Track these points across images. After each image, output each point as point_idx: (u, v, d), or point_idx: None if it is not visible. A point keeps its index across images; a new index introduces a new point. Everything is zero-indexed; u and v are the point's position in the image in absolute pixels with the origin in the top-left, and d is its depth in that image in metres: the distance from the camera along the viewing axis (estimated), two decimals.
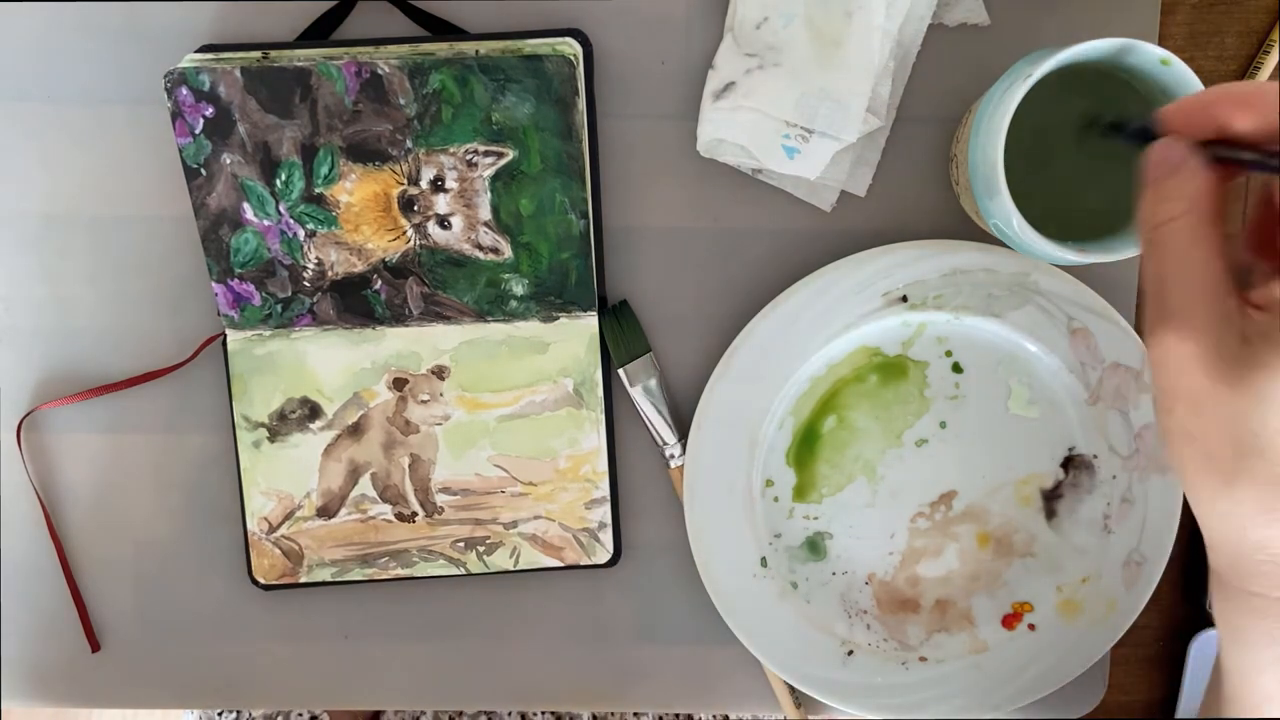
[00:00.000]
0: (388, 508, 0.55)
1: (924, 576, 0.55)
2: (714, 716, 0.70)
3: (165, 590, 0.57)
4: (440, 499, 0.55)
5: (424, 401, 0.54)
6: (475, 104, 0.50)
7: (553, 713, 0.76)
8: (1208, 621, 0.56)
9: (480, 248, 0.52)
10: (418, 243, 0.52)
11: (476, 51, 0.50)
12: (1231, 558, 0.35)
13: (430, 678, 0.57)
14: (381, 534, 0.55)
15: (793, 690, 0.56)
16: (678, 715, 0.72)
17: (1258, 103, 0.34)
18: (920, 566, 0.55)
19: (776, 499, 0.54)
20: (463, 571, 0.55)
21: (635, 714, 0.72)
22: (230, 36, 0.53)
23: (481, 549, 0.55)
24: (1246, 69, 0.53)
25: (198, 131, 0.50)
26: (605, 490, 0.55)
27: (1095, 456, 0.54)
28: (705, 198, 0.54)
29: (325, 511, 0.55)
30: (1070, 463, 0.54)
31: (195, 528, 0.56)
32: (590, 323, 0.54)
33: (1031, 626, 0.54)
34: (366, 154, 0.51)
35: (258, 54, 0.51)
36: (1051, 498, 0.54)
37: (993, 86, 0.47)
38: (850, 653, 0.54)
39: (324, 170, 0.51)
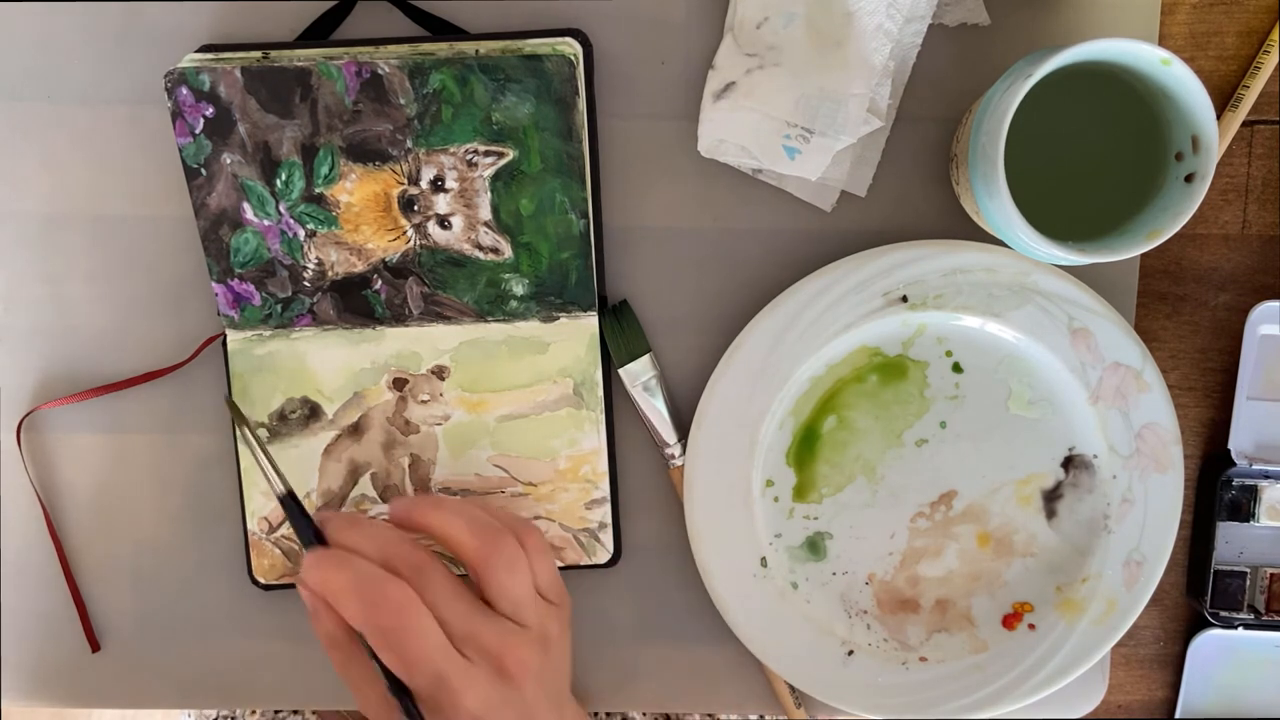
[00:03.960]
0: (388, 508, 0.55)
1: (924, 576, 0.55)
2: (699, 716, 0.70)
3: (165, 590, 0.57)
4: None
5: (424, 401, 0.54)
6: (475, 104, 0.50)
7: None
8: (1208, 621, 0.56)
9: (480, 248, 0.52)
10: (418, 243, 0.52)
11: (476, 51, 0.50)
12: None
13: None
14: None
15: (793, 690, 0.56)
16: (667, 716, 0.72)
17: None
18: (920, 566, 0.55)
19: (776, 499, 0.54)
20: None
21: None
22: (230, 36, 0.53)
23: None
24: (1246, 69, 0.53)
25: (198, 131, 0.50)
26: (605, 490, 0.55)
27: (1095, 456, 0.54)
28: (705, 198, 0.54)
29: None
30: (1070, 463, 0.54)
31: (195, 528, 0.56)
32: (590, 323, 0.54)
33: (1031, 626, 0.54)
34: (366, 154, 0.51)
35: (258, 54, 0.51)
36: (1051, 498, 0.54)
37: (993, 86, 0.47)
38: (850, 653, 0.55)
39: (324, 170, 0.51)
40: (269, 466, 0.47)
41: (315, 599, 0.44)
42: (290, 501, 0.46)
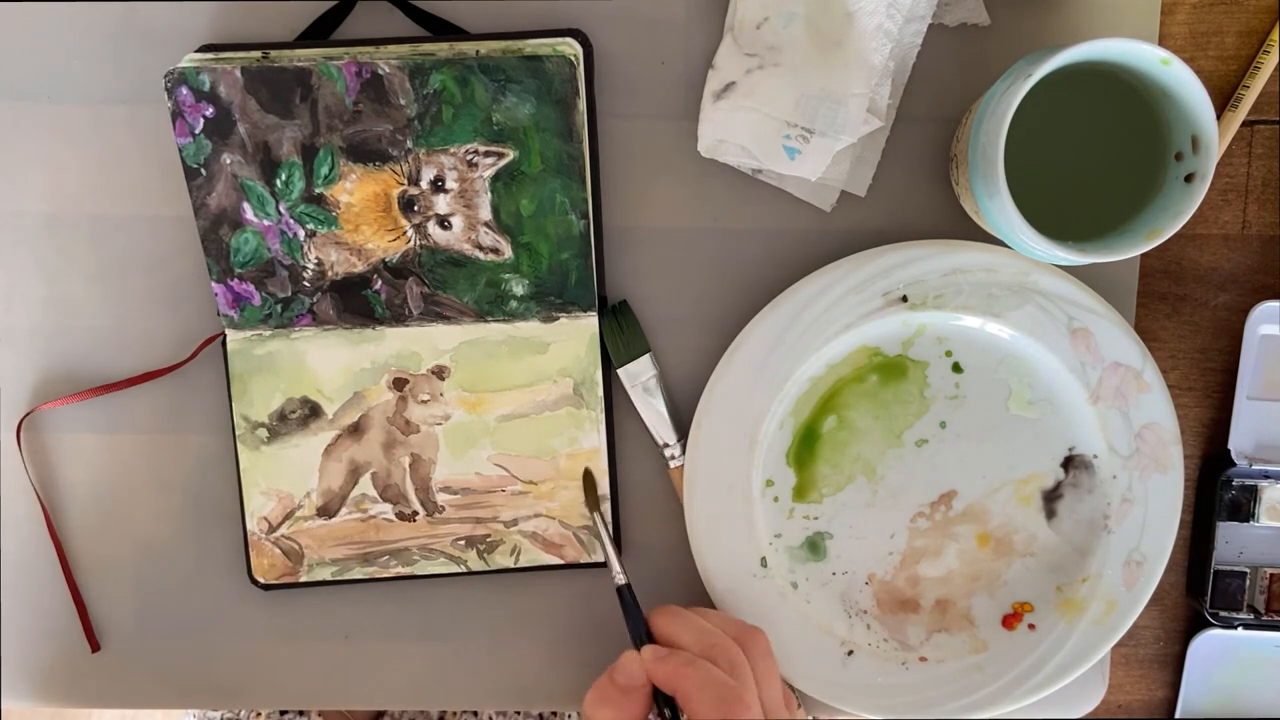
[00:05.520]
0: (388, 507, 0.55)
1: (924, 576, 0.55)
2: None
3: (165, 590, 0.57)
4: (441, 498, 0.55)
5: (424, 401, 0.54)
6: (475, 104, 0.50)
7: (539, 714, 0.76)
8: (1208, 621, 0.56)
9: (480, 248, 0.52)
10: (418, 243, 0.52)
11: (477, 52, 0.50)
12: None
13: (430, 678, 0.57)
14: (382, 533, 0.55)
15: (791, 690, 0.56)
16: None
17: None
18: (920, 566, 0.55)
19: (776, 499, 0.54)
20: (463, 569, 0.55)
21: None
22: (230, 36, 0.53)
23: (482, 547, 0.55)
24: (1246, 69, 0.53)
25: (198, 131, 0.50)
26: (605, 489, 0.55)
27: (1095, 456, 0.54)
28: (705, 198, 0.54)
29: (325, 511, 0.55)
30: (1070, 463, 0.54)
31: (195, 528, 0.56)
32: (590, 323, 0.54)
33: (1031, 626, 0.54)
34: (367, 154, 0.51)
35: (258, 54, 0.51)
36: (1051, 498, 0.54)
37: (993, 86, 0.47)
38: (850, 653, 0.55)
39: (324, 170, 0.51)
40: (612, 553, 0.52)
41: (617, 690, 0.47)
42: (628, 593, 0.51)
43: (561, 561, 0.55)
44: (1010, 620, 0.55)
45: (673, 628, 0.49)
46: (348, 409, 0.54)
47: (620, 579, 0.52)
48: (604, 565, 0.55)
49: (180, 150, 0.51)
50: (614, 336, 0.54)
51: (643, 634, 0.50)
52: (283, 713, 0.74)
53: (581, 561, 0.55)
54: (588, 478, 0.55)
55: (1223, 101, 0.53)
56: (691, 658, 0.47)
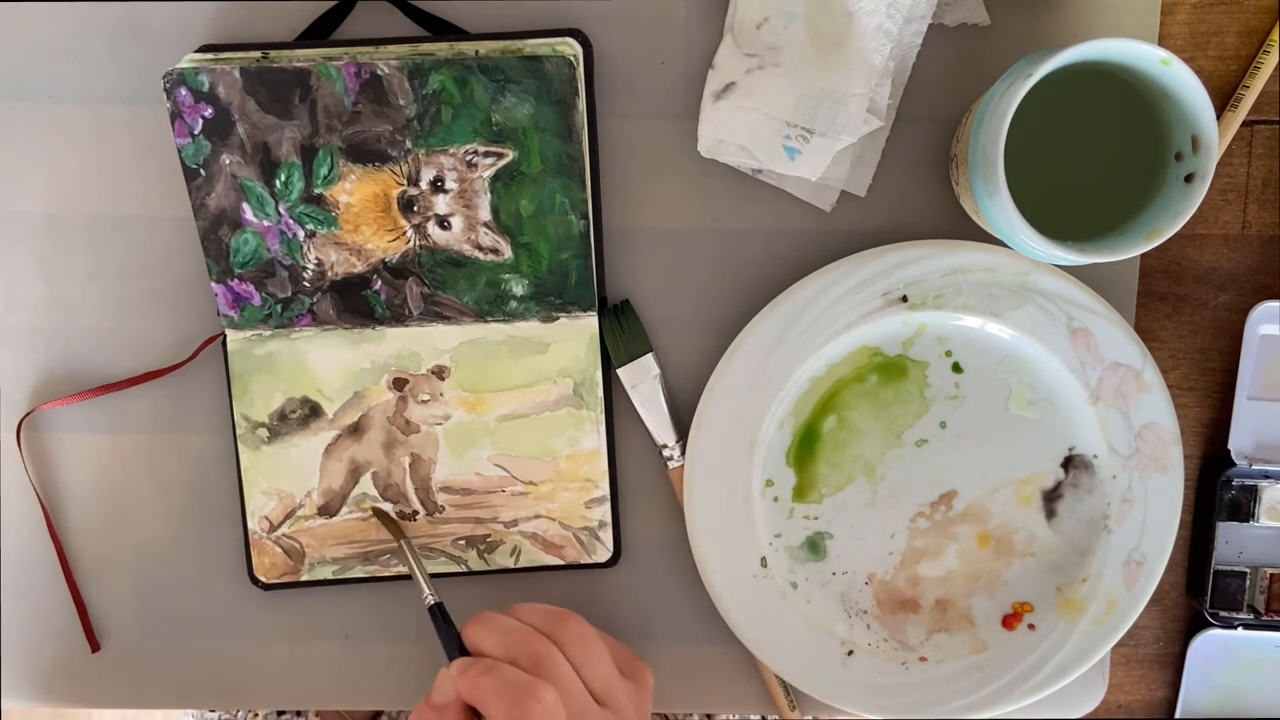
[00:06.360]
0: (389, 506, 0.55)
1: (924, 576, 0.55)
2: (697, 716, 0.70)
3: (165, 590, 0.57)
4: (441, 498, 0.55)
5: (424, 401, 0.54)
6: (475, 104, 0.50)
7: None
8: (1208, 621, 0.56)
9: (480, 248, 0.52)
10: (417, 243, 0.52)
11: (476, 52, 0.50)
12: None
13: (429, 678, 0.57)
14: (383, 532, 0.55)
15: (789, 691, 0.56)
16: (665, 716, 0.72)
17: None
18: (920, 566, 0.55)
19: (776, 499, 0.54)
20: (464, 569, 0.55)
21: None
22: (230, 36, 0.53)
23: (482, 547, 0.55)
24: (1246, 69, 0.53)
25: (196, 132, 0.50)
26: (605, 490, 0.55)
27: (1095, 456, 0.54)
28: (705, 198, 0.54)
29: (326, 510, 0.55)
30: (1070, 463, 0.54)
31: (195, 528, 0.56)
32: (590, 323, 0.54)
33: (1031, 626, 0.54)
34: (366, 154, 0.51)
35: (257, 54, 0.51)
36: (1051, 498, 0.54)
37: (993, 86, 0.47)
38: (850, 653, 0.55)
39: (323, 171, 0.51)
40: (421, 576, 0.51)
41: (432, 711, 0.46)
42: (438, 612, 0.50)
43: (561, 562, 0.55)
44: (1010, 620, 0.55)
45: (479, 635, 0.47)
46: (348, 409, 0.54)
47: (430, 599, 0.50)
48: (606, 566, 0.55)
49: (179, 151, 0.51)
50: (614, 336, 0.54)
51: (455, 649, 0.48)
52: (281, 713, 0.74)
53: (582, 562, 0.55)
54: (381, 515, 0.54)
55: (1223, 101, 0.53)
56: (490, 664, 0.45)
